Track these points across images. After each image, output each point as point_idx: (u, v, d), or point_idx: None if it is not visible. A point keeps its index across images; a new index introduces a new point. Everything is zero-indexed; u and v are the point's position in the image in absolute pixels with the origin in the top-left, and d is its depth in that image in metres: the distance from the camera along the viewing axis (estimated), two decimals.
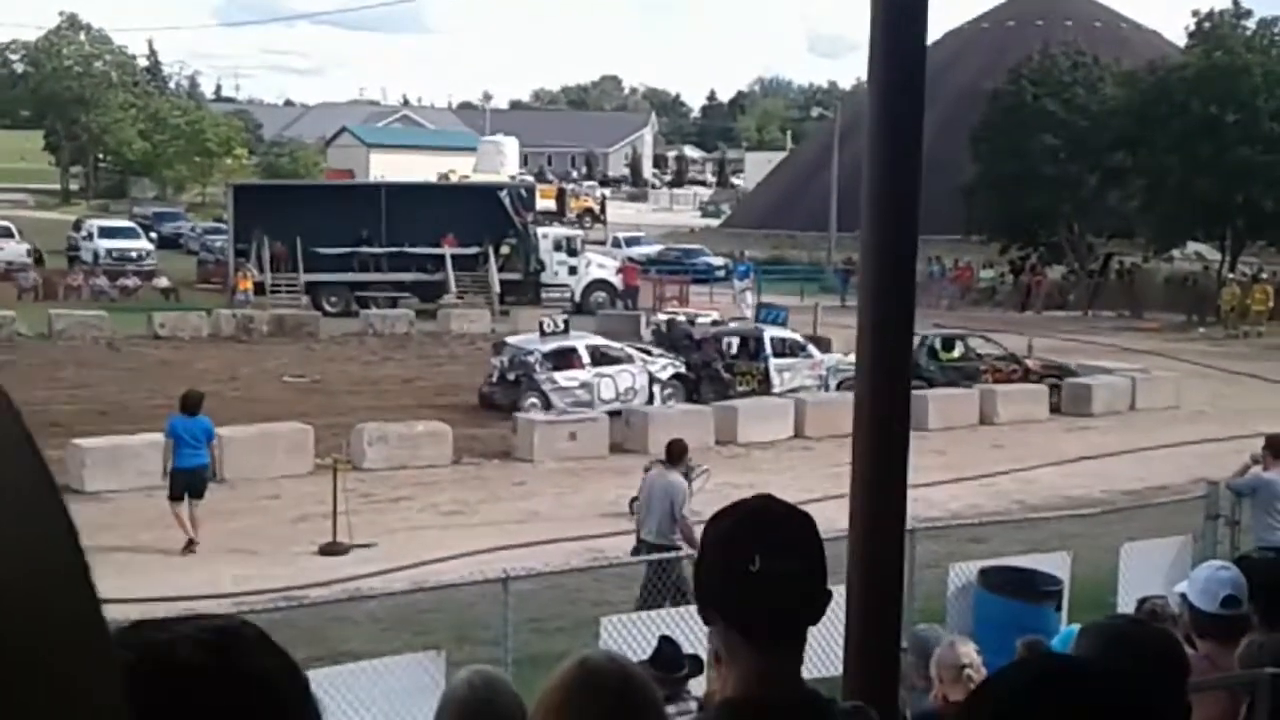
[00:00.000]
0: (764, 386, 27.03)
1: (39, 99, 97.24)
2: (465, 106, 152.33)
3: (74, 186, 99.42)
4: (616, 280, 45.97)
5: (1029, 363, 29.44)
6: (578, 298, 44.77)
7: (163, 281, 46.60)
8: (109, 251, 52.30)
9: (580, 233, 52.16)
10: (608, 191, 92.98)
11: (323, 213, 43.96)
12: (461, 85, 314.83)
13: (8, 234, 52.68)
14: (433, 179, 67.16)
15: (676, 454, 13.60)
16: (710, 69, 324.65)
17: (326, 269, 43.25)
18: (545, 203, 59.57)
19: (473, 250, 44.47)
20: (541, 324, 27.18)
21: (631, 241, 62.25)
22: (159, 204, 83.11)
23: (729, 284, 47.06)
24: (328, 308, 41.92)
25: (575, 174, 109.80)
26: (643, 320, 36.86)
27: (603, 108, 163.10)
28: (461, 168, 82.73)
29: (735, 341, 28.76)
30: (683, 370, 26.77)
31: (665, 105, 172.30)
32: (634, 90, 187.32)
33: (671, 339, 29.37)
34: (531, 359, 25.60)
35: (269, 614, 9.84)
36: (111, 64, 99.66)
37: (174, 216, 72.01)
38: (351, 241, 43.69)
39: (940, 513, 16.76)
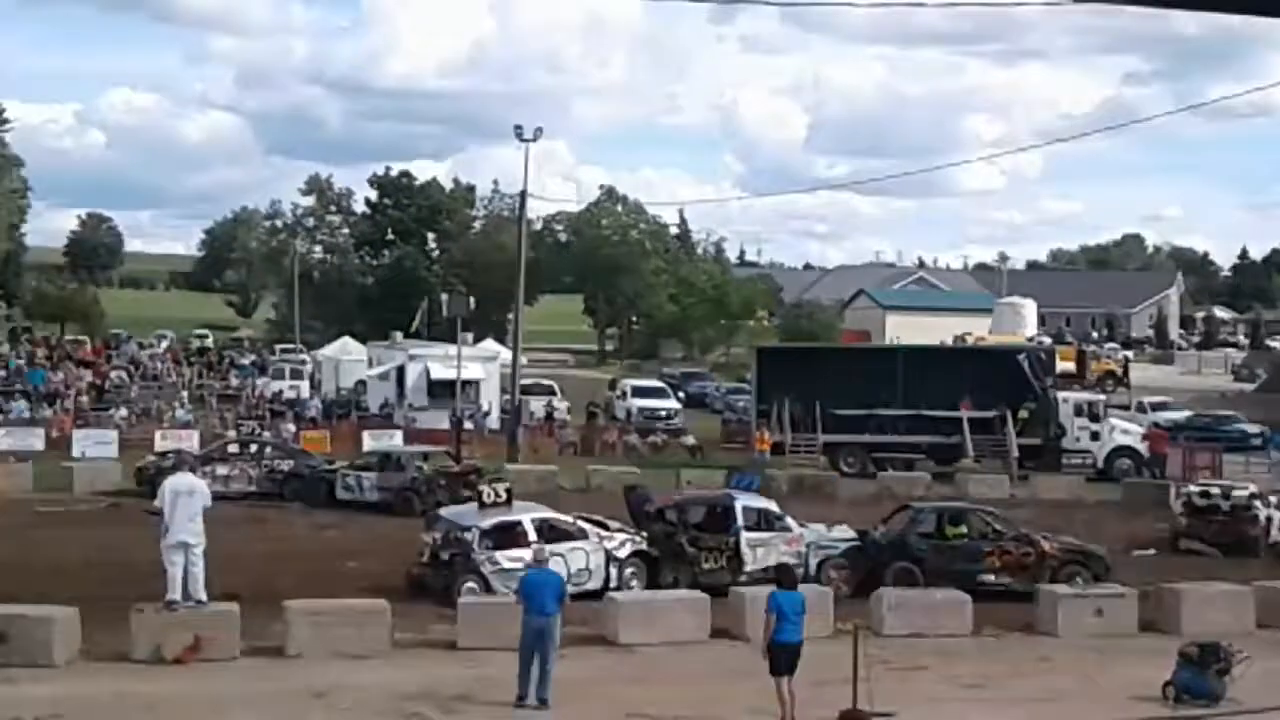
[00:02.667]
0: (734, 564, 24.09)
1: (580, 266, 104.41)
2: (981, 268, 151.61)
3: (609, 347, 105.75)
4: (1142, 447, 44.16)
5: (1046, 545, 24.78)
6: (1100, 464, 43.36)
7: (689, 440, 48.69)
8: (640, 410, 55.26)
9: (1102, 397, 50.57)
10: (1130, 354, 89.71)
11: (841, 374, 44.86)
12: (977, 246, 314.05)
13: (550, 391, 56.64)
14: (948, 341, 67.11)
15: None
16: (1242, 226, 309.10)
17: (844, 430, 43.88)
18: (1065, 365, 58.17)
19: (990, 414, 43.96)
20: (480, 494, 24.30)
21: (1158, 406, 59.67)
22: (686, 364, 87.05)
23: (1265, 454, 44.28)
24: (845, 468, 42.52)
25: (1095, 335, 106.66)
26: (1171, 491, 35.20)
27: (1124, 268, 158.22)
28: (977, 329, 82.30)
29: (701, 512, 25.45)
30: (644, 547, 23.83)
31: (1192, 264, 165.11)
32: (1158, 249, 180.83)
33: (632, 508, 25.73)
34: (469, 536, 22.72)
35: None
36: (645, 233, 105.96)
37: (700, 376, 75.12)
38: (869, 403, 44.18)
39: None
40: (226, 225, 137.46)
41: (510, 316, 65.59)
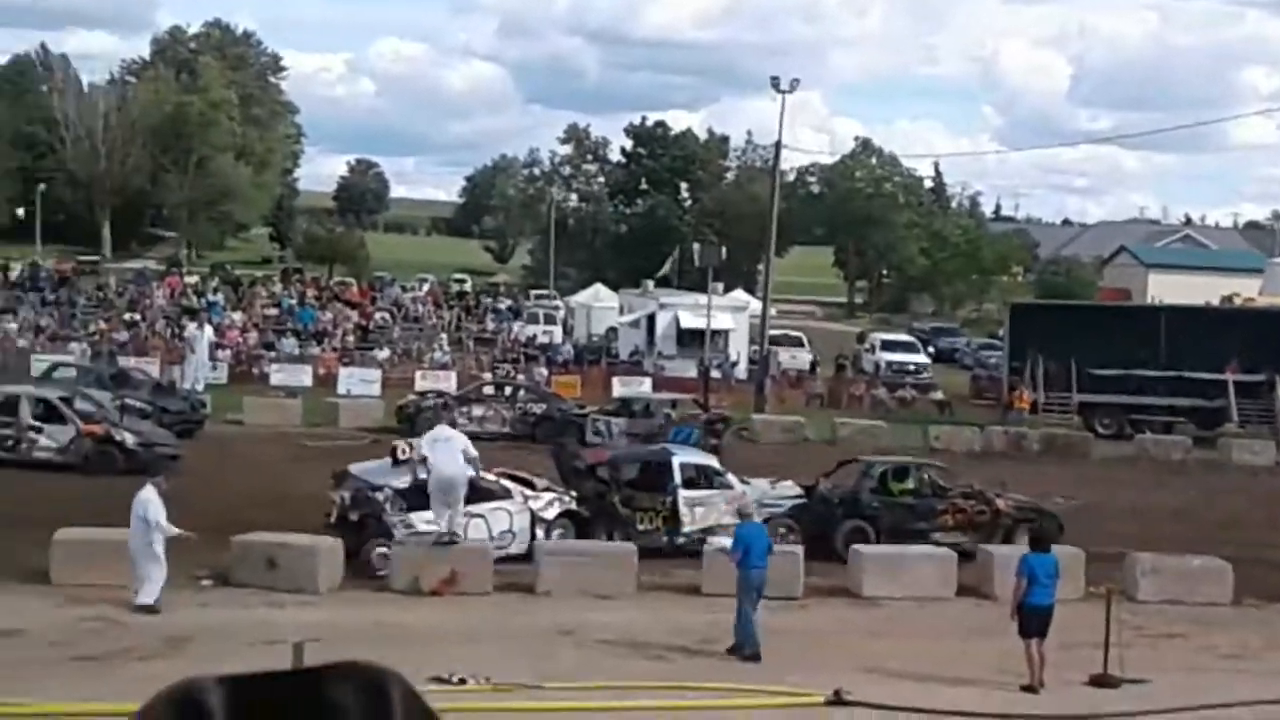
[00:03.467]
0: (671, 524, 22.41)
1: (832, 218, 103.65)
2: (1252, 226, 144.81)
3: (858, 300, 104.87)
4: None
5: (1000, 503, 23.37)
6: None
7: (938, 395, 48.04)
8: (889, 364, 54.74)
9: None
10: None
11: (1099, 334, 43.53)
12: (1250, 204, 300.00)
13: (799, 343, 56.53)
14: (1214, 302, 64.47)
15: None
16: None
17: (1100, 390, 42.64)
18: None
19: (1258, 378, 42.15)
20: (394, 449, 21.93)
21: None
22: (936, 319, 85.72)
23: None
24: (1100, 429, 41.33)
25: None
26: None
27: None
28: (1247, 290, 78.80)
29: (636, 469, 23.70)
30: (573, 507, 21.84)
31: None
32: None
33: (560, 466, 23.95)
34: (381, 496, 20.63)
35: None
36: (899, 185, 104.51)
37: (950, 332, 73.91)
38: (1127, 364, 42.82)
39: None
40: (486, 173, 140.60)
41: (760, 267, 65.47)
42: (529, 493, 21.65)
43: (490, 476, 21.44)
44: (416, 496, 20.39)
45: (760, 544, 16.97)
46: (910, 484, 23.97)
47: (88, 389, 31.79)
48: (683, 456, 23.74)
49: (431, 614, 17.90)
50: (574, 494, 22.38)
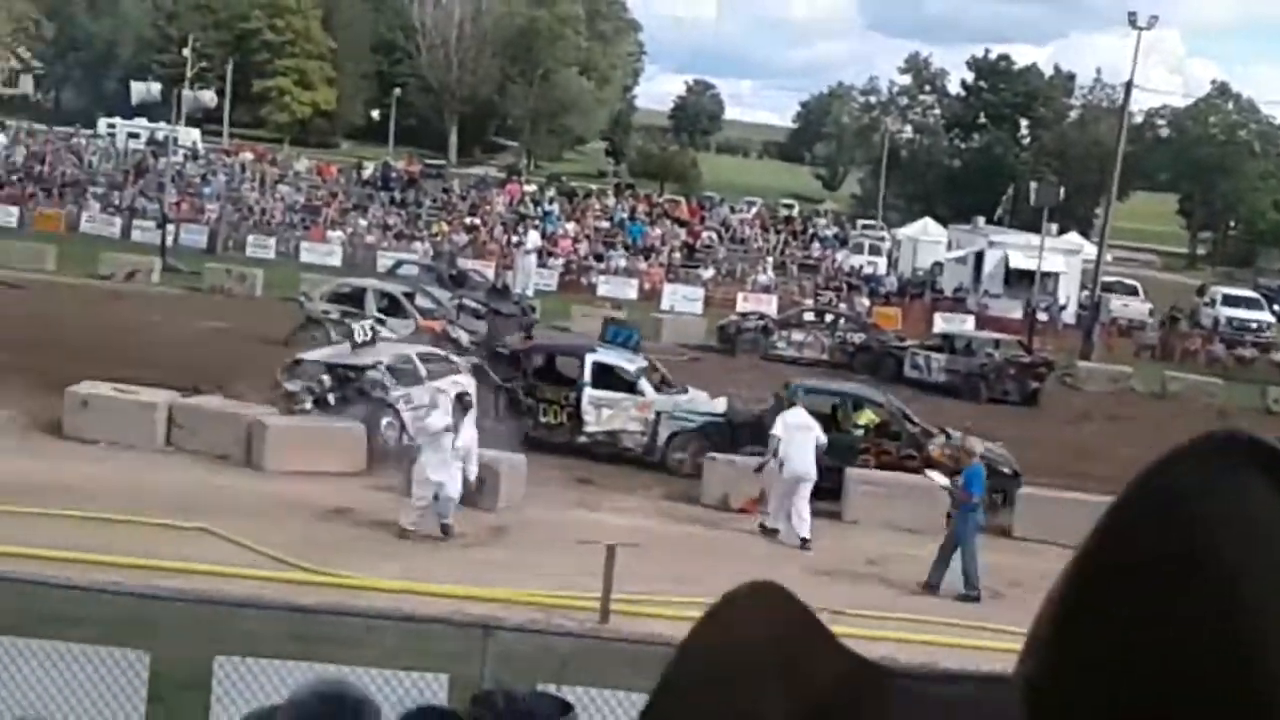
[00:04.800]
0: (573, 422, 21.69)
1: (1179, 164, 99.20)
2: None
3: (1200, 251, 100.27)
4: None
5: (933, 451, 20.59)
6: None
7: (1279, 355, 45.71)
8: (1229, 320, 52.27)
9: None
10: None
11: None
12: None
13: (1133, 292, 54.53)
14: None
15: None
16: None
17: None
18: None
19: None
20: (352, 332, 21.73)
21: None
22: None
23: None
24: None
25: None
26: None
27: None
28: None
29: (543, 360, 22.85)
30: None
31: None
32: None
33: (486, 346, 24.01)
34: (376, 374, 20.31)
35: None
36: (1255, 134, 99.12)
37: None
38: None
39: None
40: (821, 99, 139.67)
41: (1098, 211, 63.42)
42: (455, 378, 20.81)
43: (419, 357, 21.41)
44: (403, 374, 20.61)
45: (981, 486, 16.93)
46: (866, 420, 21.87)
47: (428, 287, 33.39)
48: (599, 355, 22.92)
49: (737, 530, 18.35)
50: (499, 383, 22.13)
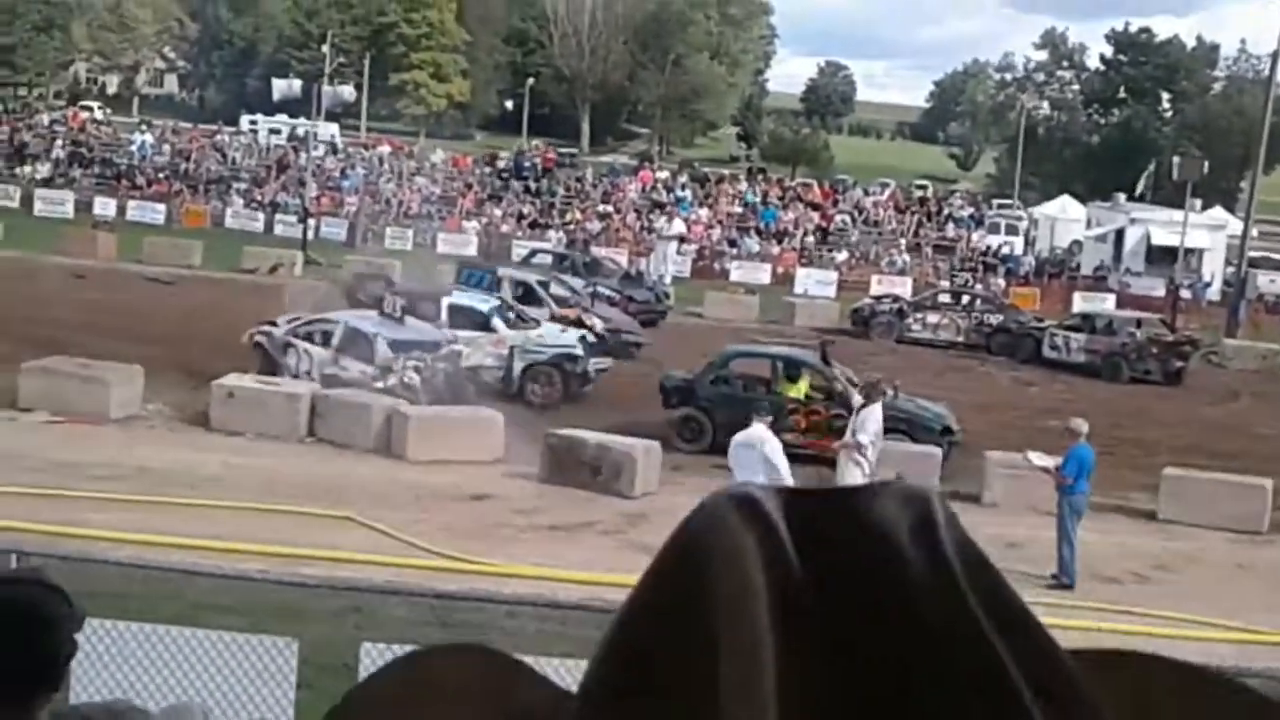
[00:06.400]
0: None
1: None
2: None
3: None
4: None
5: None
6: None
7: None
8: None
9: None
10: None
11: None
12: None
13: (1278, 267, 53.08)
14: None
15: None
16: None
17: None
18: None
19: None
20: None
21: None
22: None
23: None
24: None
25: None
26: None
27: None
28: None
29: (399, 303, 22.82)
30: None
31: None
32: None
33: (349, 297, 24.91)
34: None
35: None
36: None
37: None
38: None
39: None
40: (955, 78, 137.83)
41: (1243, 185, 61.76)
42: None
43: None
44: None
45: (1089, 466, 16.25)
46: (804, 385, 21.42)
47: (562, 275, 33.64)
48: (454, 297, 24.13)
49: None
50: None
